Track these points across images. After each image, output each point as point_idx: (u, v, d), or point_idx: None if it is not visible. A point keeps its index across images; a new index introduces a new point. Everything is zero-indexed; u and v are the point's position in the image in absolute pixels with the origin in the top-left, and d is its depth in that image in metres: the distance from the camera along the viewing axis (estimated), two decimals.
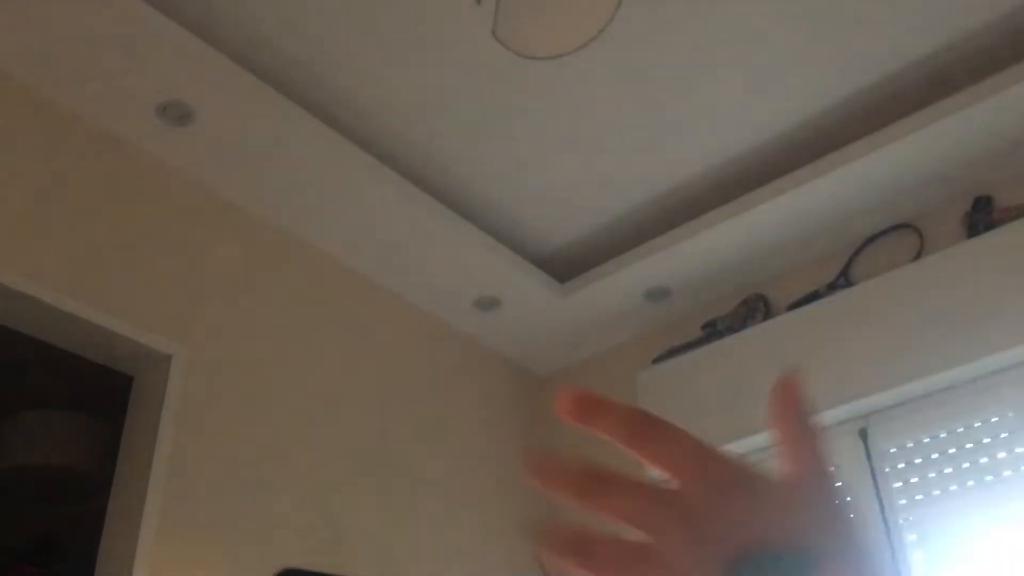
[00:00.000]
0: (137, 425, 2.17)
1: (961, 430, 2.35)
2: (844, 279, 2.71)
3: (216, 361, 2.31)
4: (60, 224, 2.12)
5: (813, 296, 2.73)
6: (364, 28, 2.23)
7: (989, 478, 2.26)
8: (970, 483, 2.28)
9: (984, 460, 2.29)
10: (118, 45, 2.08)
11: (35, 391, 3.34)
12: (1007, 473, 2.24)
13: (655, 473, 0.43)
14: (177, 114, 2.25)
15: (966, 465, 2.31)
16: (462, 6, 2.18)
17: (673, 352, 2.95)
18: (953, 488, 2.30)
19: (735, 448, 2.65)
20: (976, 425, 2.33)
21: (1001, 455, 2.27)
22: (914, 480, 2.37)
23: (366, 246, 2.72)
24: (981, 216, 2.49)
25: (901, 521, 2.34)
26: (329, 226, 2.64)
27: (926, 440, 2.40)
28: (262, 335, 2.45)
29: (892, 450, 2.44)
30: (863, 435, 2.50)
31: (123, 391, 2.38)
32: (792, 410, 0.46)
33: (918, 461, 2.39)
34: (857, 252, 2.73)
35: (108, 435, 3.29)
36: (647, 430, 0.43)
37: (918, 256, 2.60)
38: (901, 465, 2.41)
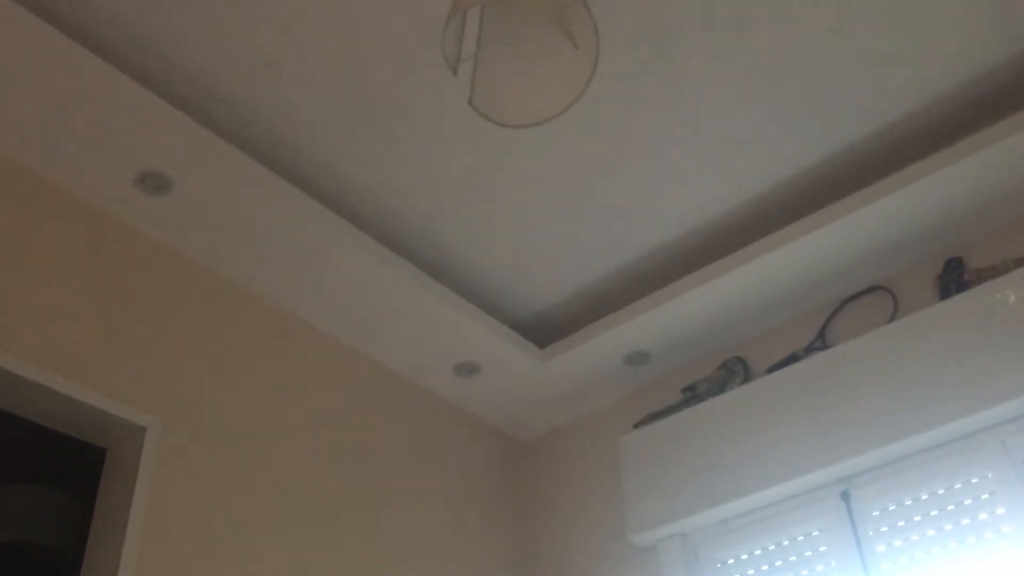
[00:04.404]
0: (110, 498, 2.13)
1: (942, 492, 2.34)
2: (821, 341, 2.73)
3: (192, 432, 2.28)
4: (30, 292, 2.10)
5: (791, 359, 2.74)
6: (342, 97, 2.26)
7: (972, 539, 2.25)
8: (952, 545, 2.27)
9: (966, 522, 2.28)
10: (95, 114, 2.09)
11: (3, 465, 3.28)
12: (988, 535, 2.23)
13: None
14: (154, 184, 2.26)
15: (949, 527, 2.30)
16: (440, 76, 2.22)
17: (654, 416, 2.95)
18: (936, 551, 2.29)
19: (716, 513, 2.63)
20: (957, 487, 2.33)
21: (983, 516, 2.26)
22: (898, 544, 2.35)
23: (344, 313, 2.71)
24: (952, 277, 2.52)
25: None
26: (306, 293, 2.63)
27: (908, 503, 2.39)
28: (238, 405, 2.42)
29: (875, 513, 2.43)
30: (845, 497, 2.49)
31: (96, 464, 2.34)
32: None
33: (901, 524, 2.37)
34: (833, 315, 2.76)
35: (80, 511, 3.22)
36: None
37: (893, 318, 2.62)
38: (884, 528, 2.40)
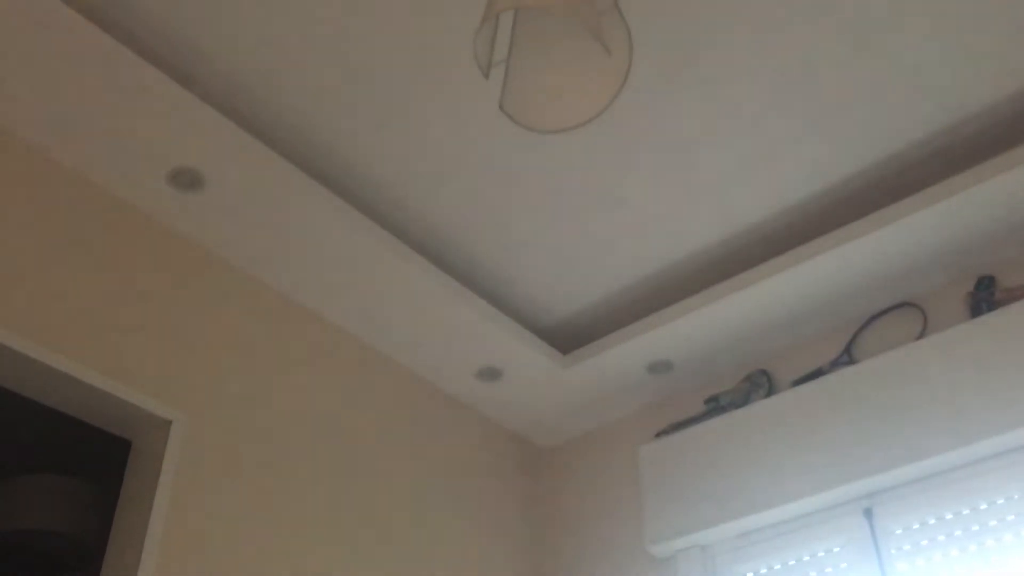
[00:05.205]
0: (134, 490, 2.15)
1: (967, 512, 2.32)
2: (848, 356, 2.71)
3: (216, 428, 2.30)
4: (63, 285, 2.13)
5: (817, 373, 2.72)
6: (371, 99, 2.28)
7: (996, 560, 2.22)
8: (977, 566, 2.24)
9: (991, 543, 2.25)
10: (129, 110, 2.12)
11: (28, 454, 3.32)
12: (1014, 557, 2.20)
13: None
14: (187, 181, 2.28)
15: (973, 548, 2.27)
16: (469, 78, 2.23)
17: (676, 427, 2.93)
18: (960, 571, 2.26)
19: (736, 526, 2.62)
20: (983, 507, 2.30)
21: (1008, 538, 2.23)
22: (920, 563, 2.33)
23: (370, 315, 2.72)
24: (984, 296, 2.49)
25: None
26: (334, 294, 2.65)
27: (932, 522, 2.36)
28: (263, 403, 2.44)
29: (898, 531, 2.40)
30: (868, 515, 2.46)
31: (121, 455, 2.36)
32: None
33: (925, 543, 2.35)
34: (861, 330, 2.73)
35: (103, 500, 3.26)
36: None
37: (922, 335, 2.59)
38: (907, 547, 2.37)
